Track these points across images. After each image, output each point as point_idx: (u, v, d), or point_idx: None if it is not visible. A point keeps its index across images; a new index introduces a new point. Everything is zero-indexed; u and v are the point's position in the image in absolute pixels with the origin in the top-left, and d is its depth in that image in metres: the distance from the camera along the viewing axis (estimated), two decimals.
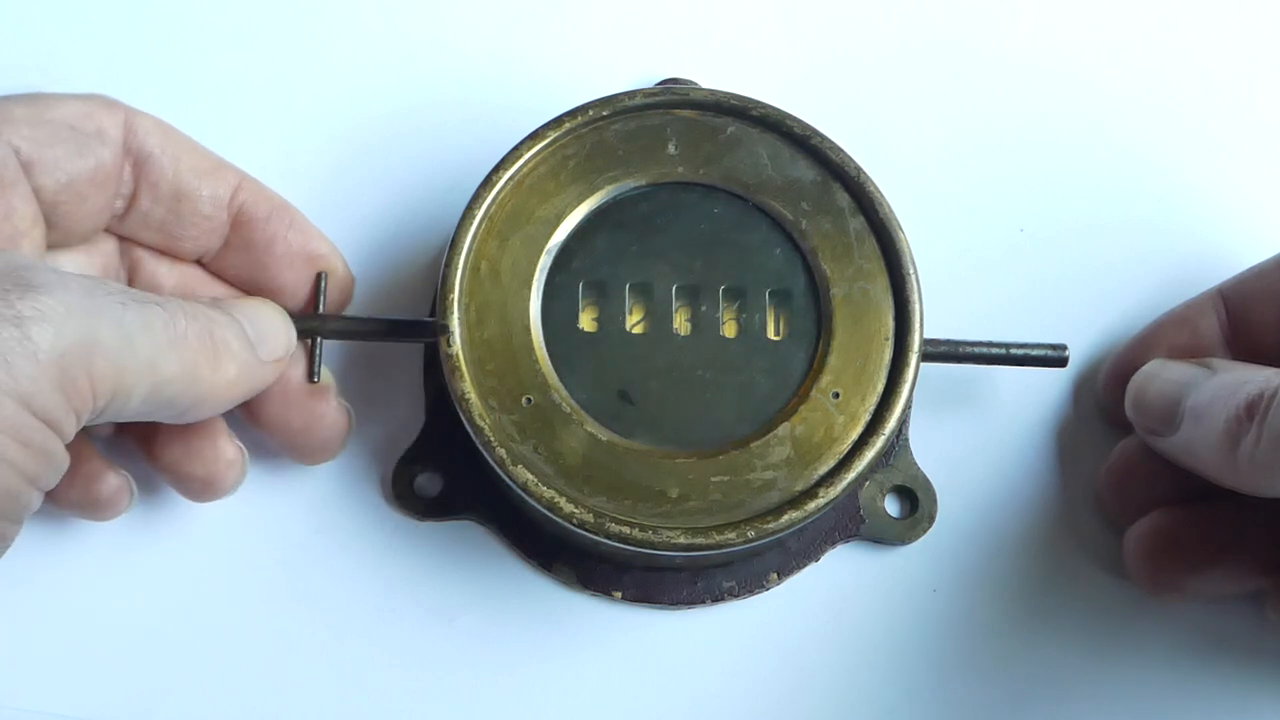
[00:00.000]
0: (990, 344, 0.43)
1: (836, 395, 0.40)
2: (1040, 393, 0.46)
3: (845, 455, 0.40)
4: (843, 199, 0.42)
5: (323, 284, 0.42)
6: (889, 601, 0.44)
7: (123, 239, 0.42)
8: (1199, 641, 0.44)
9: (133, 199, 0.41)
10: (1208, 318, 0.43)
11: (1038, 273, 0.47)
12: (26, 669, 0.43)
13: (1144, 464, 0.43)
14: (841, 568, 0.44)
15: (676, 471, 0.40)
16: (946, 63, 0.49)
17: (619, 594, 0.44)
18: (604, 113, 0.42)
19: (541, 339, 0.41)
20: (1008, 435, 0.45)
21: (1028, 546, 0.45)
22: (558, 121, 0.42)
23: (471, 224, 0.41)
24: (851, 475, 0.39)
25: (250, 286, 0.43)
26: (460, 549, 0.44)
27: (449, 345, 0.40)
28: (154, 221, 0.41)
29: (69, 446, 0.34)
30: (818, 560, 0.44)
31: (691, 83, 0.48)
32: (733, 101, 0.43)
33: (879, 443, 0.40)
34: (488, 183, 0.42)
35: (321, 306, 0.42)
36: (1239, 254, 0.45)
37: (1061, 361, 0.43)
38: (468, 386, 0.40)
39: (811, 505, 0.39)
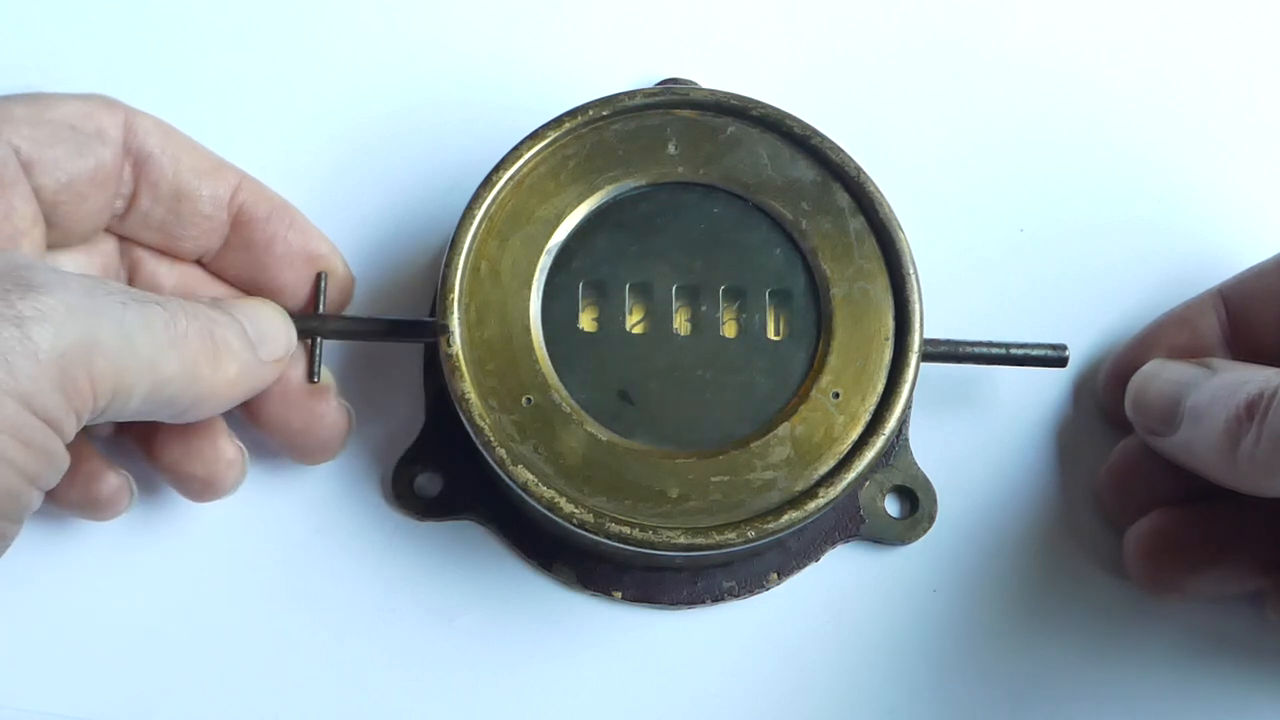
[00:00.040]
0: (990, 344, 0.43)
1: (836, 395, 0.40)
2: (1040, 393, 0.46)
3: (845, 455, 0.40)
4: (843, 199, 0.42)
5: (323, 284, 0.42)
6: (889, 601, 0.44)
7: (123, 239, 0.42)
8: (1199, 641, 0.44)
9: (133, 199, 0.41)
10: (1208, 318, 0.43)
11: (1038, 273, 0.47)
12: (26, 669, 0.42)
13: (1144, 464, 0.43)
14: (841, 568, 0.44)
15: (676, 471, 0.40)
16: (946, 63, 0.49)
17: (619, 594, 0.44)
18: (604, 113, 0.42)
19: (541, 339, 0.41)
20: (1008, 435, 0.45)
21: (1028, 546, 0.45)
22: (558, 121, 0.42)
23: (471, 224, 0.41)
24: (851, 475, 0.39)
25: (250, 286, 0.43)
26: (460, 549, 0.44)
27: (449, 345, 0.40)
28: (154, 221, 0.41)
29: (69, 446, 0.34)
30: (818, 560, 0.44)
31: (691, 83, 0.48)
32: (733, 101, 0.43)
33: (879, 443, 0.40)
34: (488, 183, 0.42)
35: (321, 306, 0.42)
36: (1239, 254, 0.45)
37: (1061, 361, 0.43)
38: (468, 386, 0.40)
39: (811, 505, 0.39)
